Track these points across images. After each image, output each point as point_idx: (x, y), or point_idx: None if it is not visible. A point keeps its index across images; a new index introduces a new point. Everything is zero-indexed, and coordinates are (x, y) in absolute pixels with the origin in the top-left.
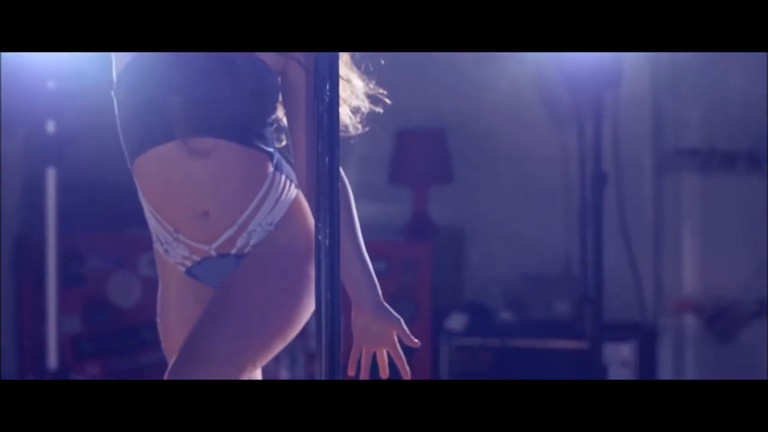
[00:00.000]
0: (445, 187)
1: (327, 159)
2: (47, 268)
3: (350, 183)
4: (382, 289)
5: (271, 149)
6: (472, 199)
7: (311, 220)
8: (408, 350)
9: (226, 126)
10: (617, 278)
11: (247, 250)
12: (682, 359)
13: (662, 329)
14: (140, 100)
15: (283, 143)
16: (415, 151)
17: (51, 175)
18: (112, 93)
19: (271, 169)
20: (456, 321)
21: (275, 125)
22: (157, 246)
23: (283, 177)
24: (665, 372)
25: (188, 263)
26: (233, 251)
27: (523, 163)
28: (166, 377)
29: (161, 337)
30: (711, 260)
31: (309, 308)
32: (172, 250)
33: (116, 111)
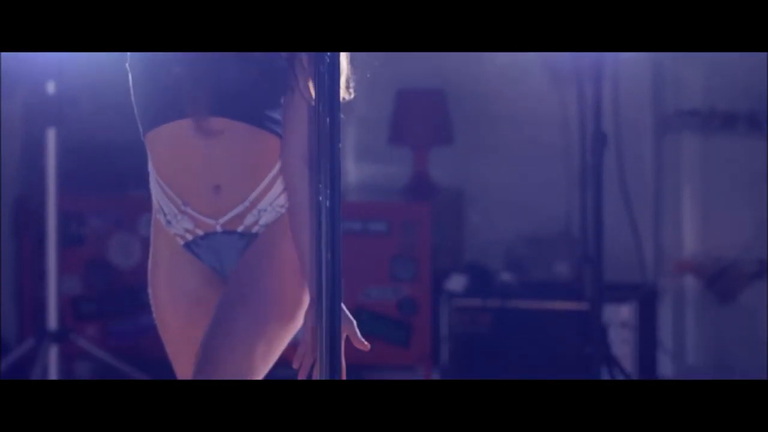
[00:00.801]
0: (445, 148)
1: (327, 120)
2: (47, 228)
3: (351, 144)
4: (383, 249)
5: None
6: (472, 161)
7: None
8: (409, 310)
9: (238, 106)
10: (617, 239)
11: (255, 229)
12: (682, 320)
13: (662, 290)
14: (155, 76)
15: None
16: (416, 112)
17: (51, 136)
18: (127, 65)
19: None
20: (456, 282)
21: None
22: (158, 216)
23: None
24: (665, 333)
25: (189, 237)
26: (240, 228)
27: (524, 124)
28: (192, 375)
29: (152, 309)
30: (711, 221)
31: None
32: (176, 222)
33: (131, 83)
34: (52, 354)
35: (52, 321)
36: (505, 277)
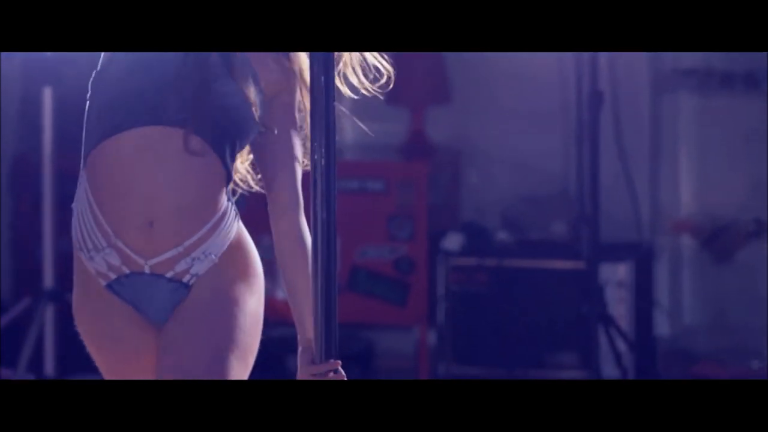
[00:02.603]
0: (442, 107)
1: (323, 78)
2: (44, 188)
3: (347, 102)
4: (380, 208)
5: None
6: (469, 120)
7: (255, 259)
8: (406, 269)
9: (217, 135)
10: (614, 198)
11: (187, 278)
12: (679, 279)
13: (659, 249)
14: (138, 78)
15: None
16: (413, 72)
17: (48, 95)
18: (90, 82)
19: (226, 196)
20: (453, 241)
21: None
22: (79, 253)
23: (233, 208)
24: (662, 292)
25: (112, 275)
26: (168, 274)
27: (521, 83)
28: None
29: (88, 348)
30: (708, 180)
31: (255, 347)
32: (99, 259)
33: (91, 95)
34: (49, 313)
35: (49, 280)
36: (502, 236)
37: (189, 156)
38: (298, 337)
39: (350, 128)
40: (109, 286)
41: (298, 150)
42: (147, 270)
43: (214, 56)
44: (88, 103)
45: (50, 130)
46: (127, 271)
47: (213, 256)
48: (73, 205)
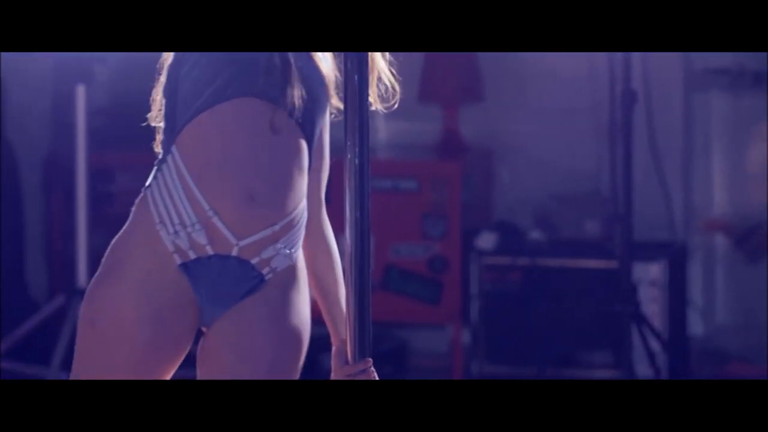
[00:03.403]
0: (475, 105)
1: (356, 78)
2: (76, 185)
3: (382, 102)
4: (413, 207)
5: None
6: (502, 118)
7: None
8: (439, 268)
9: (304, 115)
10: (647, 197)
11: (266, 270)
12: (712, 278)
13: (692, 248)
14: (228, 56)
15: None
16: (446, 70)
17: (81, 93)
18: (170, 65)
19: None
20: (486, 240)
21: None
22: (158, 227)
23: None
24: (695, 291)
25: (192, 255)
26: (254, 260)
27: (554, 81)
28: None
29: (88, 320)
30: (740, 179)
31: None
32: (184, 234)
33: (175, 73)
34: None
35: (82, 278)
36: (535, 235)
37: (281, 133)
38: (331, 337)
39: (383, 127)
40: (184, 265)
41: (326, 147)
42: (235, 252)
43: None
44: (167, 81)
45: (83, 128)
46: (211, 252)
47: (292, 254)
48: (151, 183)
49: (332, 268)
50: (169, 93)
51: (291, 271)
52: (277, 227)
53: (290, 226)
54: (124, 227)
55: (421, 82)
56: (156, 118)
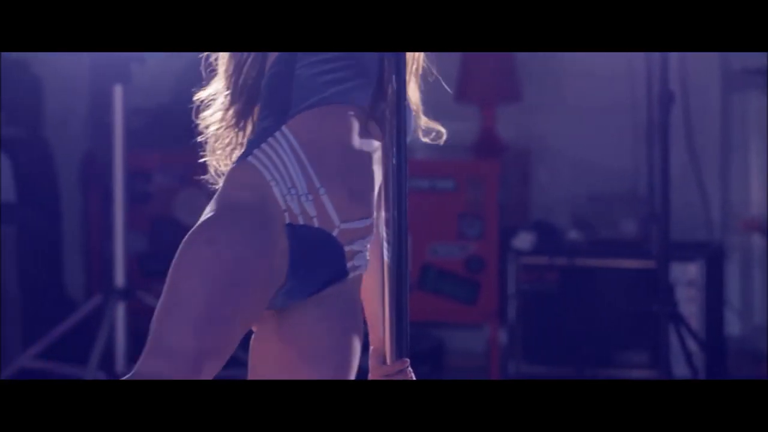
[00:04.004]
0: (513, 105)
1: (394, 78)
2: (114, 185)
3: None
4: (450, 207)
5: None
6: (539, 118)
7: None
8: (476, 268)
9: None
10: (684, 197)
11: (350, 264)
12: (750, 278)
13: (730, 248)
14: (350, 62)
15: None
16: (483, 70)
17: (118, 93)
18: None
19: None
20: (523, 240)
21: None
22: (273, 185)
23: None
24: (732, 291)
25: (301, 220)
26: (347, 247)
27: (591, 81)
28: None
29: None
30: None
31: None
32: (295, 196)
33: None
34: (120, 311)
35: (119, 278)
36: (572, 234)
37: (376, 147)
38: (370, 336)
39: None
40: (291, 226)
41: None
42: (335, 233)
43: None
44: (277, 69)
45: (120, 128)
46: (317, 224)
47: (368, 261)
48: (256, 152)
49: (376, 270)
50: (280, 80)
51: (359, 281)
52: (368, 221)
53: (371, 228)
54: (220, 191)
55: (458, 82)
56: (213, 116)
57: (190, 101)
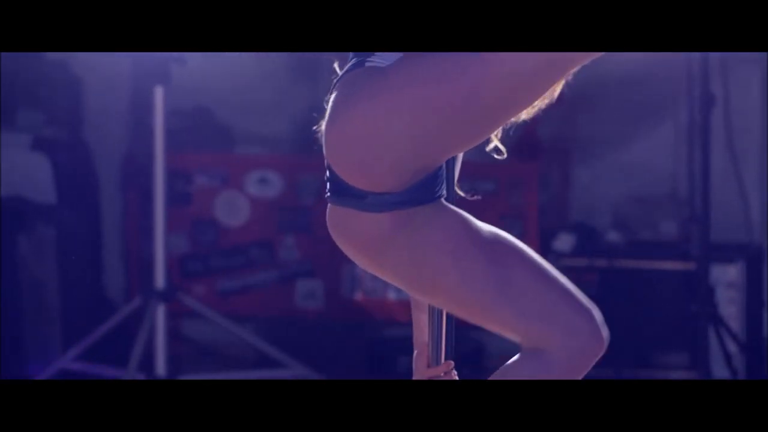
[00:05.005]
0: (553, 107)
1: None
2: (154, 187)
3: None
4: (490, 209)
5: None
6: (579, 120)
7: None
8: None
9: None
10: (724, 199)
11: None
12: None
13: None
14: None
15: None
16: None
17: (159, 94)
18: None
19: None
20: (563, 241)
21: None
22: None
23: None
24: None
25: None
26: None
27: (631, 83)
28: None
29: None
30: None
31: None
32: None
33: None
34: (160, 313)
35: (160, 280)
36: (612, 236)
37: None
38: (414, 339)
39: None
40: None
41: None
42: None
43: None
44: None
45: (161, 129)
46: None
47: None
48: None
49: None
50: None
51: None
52: None
53: None
54: None
55: None
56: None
57: (230, 101)
